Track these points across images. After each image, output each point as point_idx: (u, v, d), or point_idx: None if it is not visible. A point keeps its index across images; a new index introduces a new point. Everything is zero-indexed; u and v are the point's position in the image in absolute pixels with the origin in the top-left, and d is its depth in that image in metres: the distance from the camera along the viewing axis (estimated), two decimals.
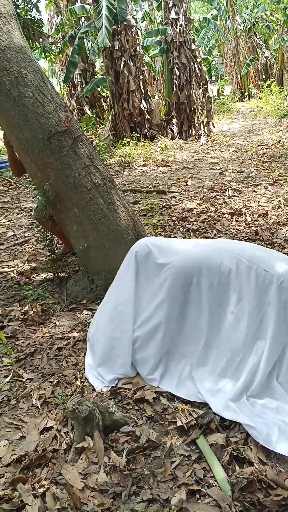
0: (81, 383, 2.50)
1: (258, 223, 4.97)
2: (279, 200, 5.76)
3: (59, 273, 3.76)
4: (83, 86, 13.93)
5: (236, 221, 5.16)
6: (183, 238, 4.64)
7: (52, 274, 3.79)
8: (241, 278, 2.38)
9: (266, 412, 2.12)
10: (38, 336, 3.03)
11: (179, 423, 2.12)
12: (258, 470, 1.81)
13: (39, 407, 2.34)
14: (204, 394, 2.28)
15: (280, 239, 4.46)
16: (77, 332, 3.04)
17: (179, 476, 1.86)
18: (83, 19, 14.22)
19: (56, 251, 3.81)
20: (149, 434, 2.06)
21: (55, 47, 12.90)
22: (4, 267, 4.31)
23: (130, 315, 2.55)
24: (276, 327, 2.27)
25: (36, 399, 2.39)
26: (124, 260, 2.73)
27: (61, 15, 15.18)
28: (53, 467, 1.96)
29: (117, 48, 11.39)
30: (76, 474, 1.86)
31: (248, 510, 1.70)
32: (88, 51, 13.71)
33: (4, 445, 2.11)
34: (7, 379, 2.59)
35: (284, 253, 4.11)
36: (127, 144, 11.12)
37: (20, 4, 9.75)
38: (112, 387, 2.45)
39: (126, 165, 9.36)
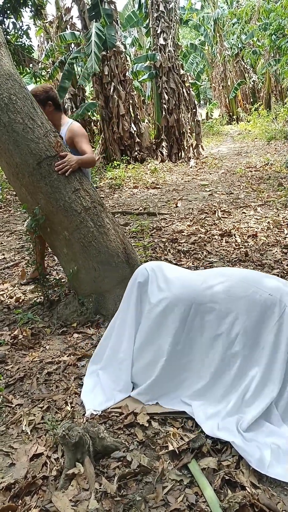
0: (71, 408, 2.47)
1: (248, 244, 5.01)
2: (268, 222, 5.82)
3: (49, 296, 3.75)
4: (74, 110, 14.09)
5: (226, 242, 5.19)
6: (174, 259, 4.66)
7: (43, 297, 3.78)
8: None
9: (258, 435, 2.11)
10: (28, 361, 3.01)
11: (170, 448, 2.10)
12: (250, 494, 1.79)
13: (29, 433, 2.31)
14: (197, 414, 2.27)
15: (270, 260, 4.49)
16: (67, 356, 3.02)
17: (171, 501, 1.83)
18: (73, 45, 14.49)
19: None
20: (140, 459, 2.03)
21: (46, 73, 13.08)
22: None
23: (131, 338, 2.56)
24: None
25: (25, 425, 2.35)
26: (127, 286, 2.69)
27: (51, 41, 15.43)
28: (43, 494, 1.92)
29: (107, 73, 11.59)
30: (66, 501, 1.83)
31: None
32: (78, 76, 13.92)
33: None
34: None
35: (274, 274, 4.14)
36: (118, 167, 11.23)
37: (11, 31, 9.89)
38: (103, 411, 2.43)
39: (117, 187, 9.43)
